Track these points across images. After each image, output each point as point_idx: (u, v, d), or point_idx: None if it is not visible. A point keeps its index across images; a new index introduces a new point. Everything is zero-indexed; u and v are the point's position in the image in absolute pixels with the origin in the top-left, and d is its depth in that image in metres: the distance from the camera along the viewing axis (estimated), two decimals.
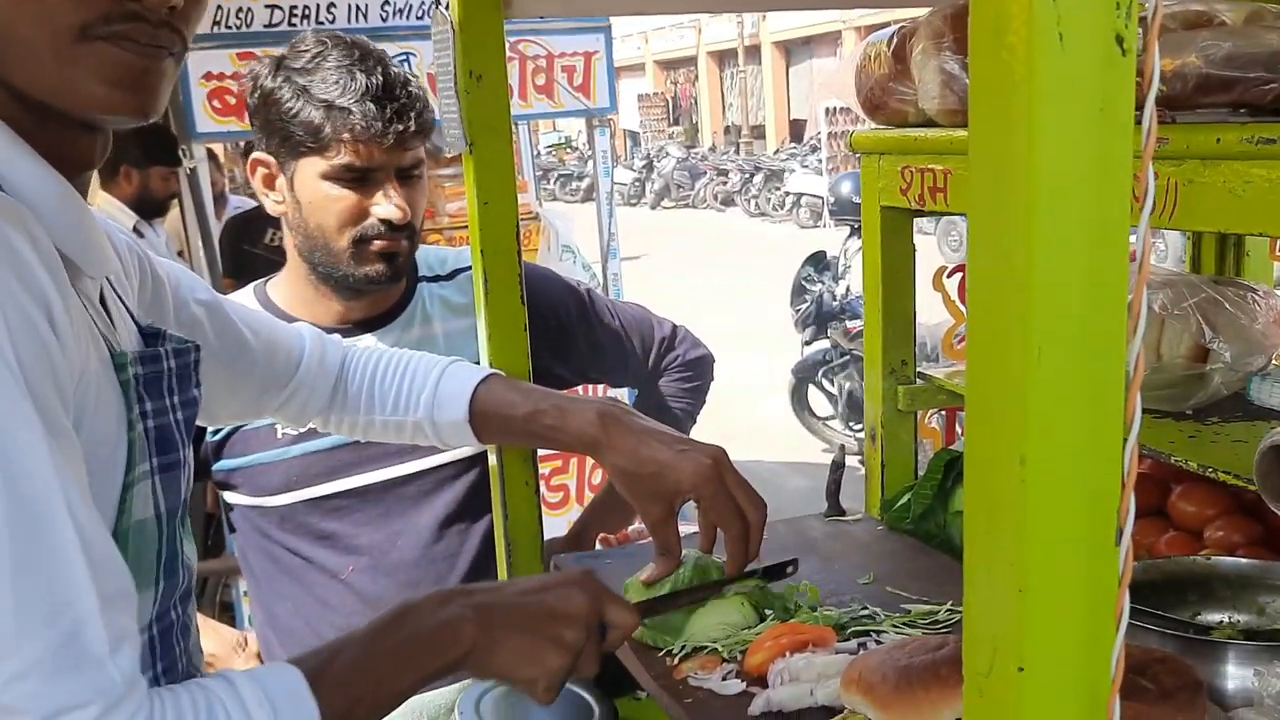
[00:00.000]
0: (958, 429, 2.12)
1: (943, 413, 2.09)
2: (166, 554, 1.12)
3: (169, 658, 1.15)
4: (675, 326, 2.34)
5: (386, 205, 1.87)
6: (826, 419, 8.33)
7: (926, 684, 1.16)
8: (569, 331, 2.14)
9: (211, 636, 2.18)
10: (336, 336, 1.67)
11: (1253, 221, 1.17)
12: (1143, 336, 0.65)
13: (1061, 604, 0.65)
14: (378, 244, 1.89)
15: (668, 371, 2.31)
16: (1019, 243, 0.63)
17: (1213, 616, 1.64)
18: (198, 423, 1.65)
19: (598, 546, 2.21)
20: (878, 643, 1.44)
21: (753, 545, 1.51)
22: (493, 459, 1.84)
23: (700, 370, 2.35)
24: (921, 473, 1.90)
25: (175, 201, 4.40)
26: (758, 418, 8.91)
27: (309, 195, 1.87)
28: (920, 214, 1.78)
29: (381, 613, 1.17)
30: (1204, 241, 2.19)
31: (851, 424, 8.07)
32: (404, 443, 1.69)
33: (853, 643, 1.44)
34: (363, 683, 1.10)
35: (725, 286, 15.09)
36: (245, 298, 1.99)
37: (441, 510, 2.01)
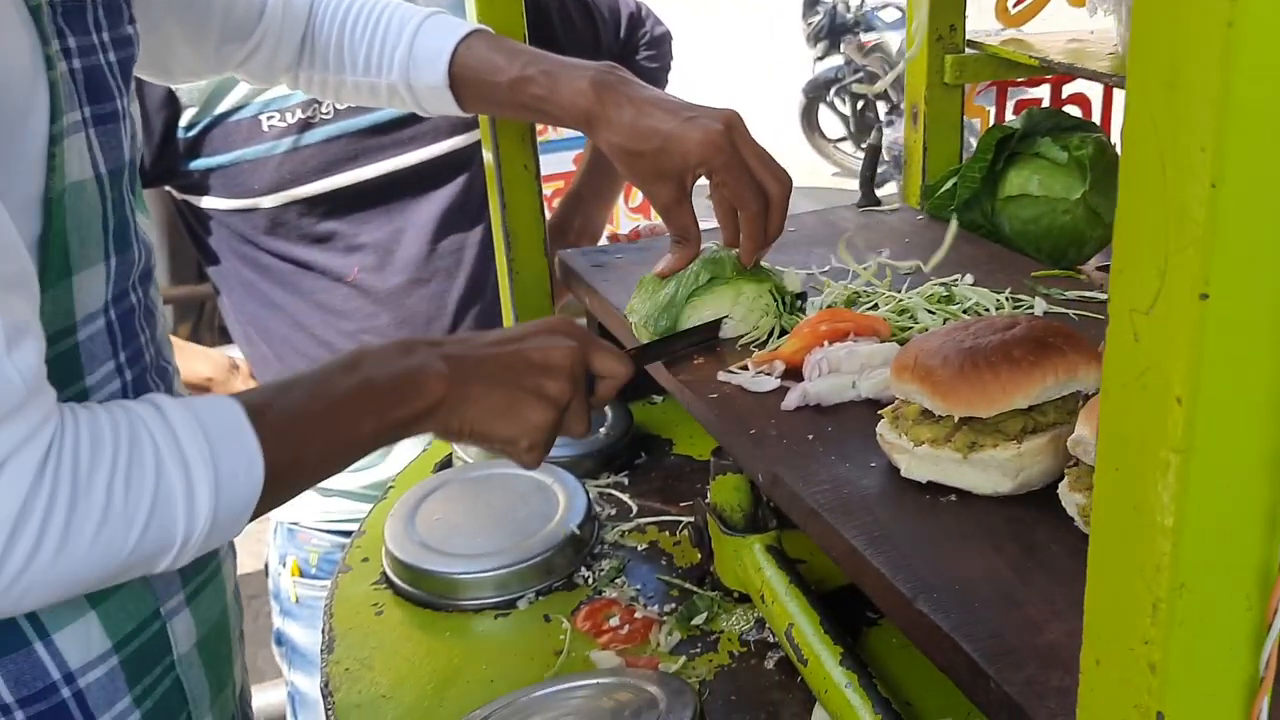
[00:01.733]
0: (1009, 107, 1.90)
1: (993, 87, 1.87)
2: (115, 223, 0.96)
3: (133, 346, 1.00)
4: (638, 1, 2.11)
5: None
6: (837, 141, 8.06)
7: (995, 366, 1.00)
8: None
9: (202, 360, 2.04)
10: None
11: None
12: None
13: (1272, 199, 0.47)
14: None
15: (636, 49, 2.10)
16: None
17: None
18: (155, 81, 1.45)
19: (603, 242, 2.03)
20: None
21: (773, 224, 1.32)
22: (487, 154, 1.64)
23: (665, 49, 2.15)
24: (967, 156, 1.70)
25: None
26: (764, 140, 8.60)
27: None
28: None
29: (333, 356, 1.00)
30: None
31: (863, 145, 7.78)
32: (382, 107, 1.48)
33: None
34: (312, 425, 0.93)
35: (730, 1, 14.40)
36: None
37: (444, 202, 1.85)
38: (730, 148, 1.29)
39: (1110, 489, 0.55)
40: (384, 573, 1.30)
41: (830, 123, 8.02)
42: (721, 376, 1.24)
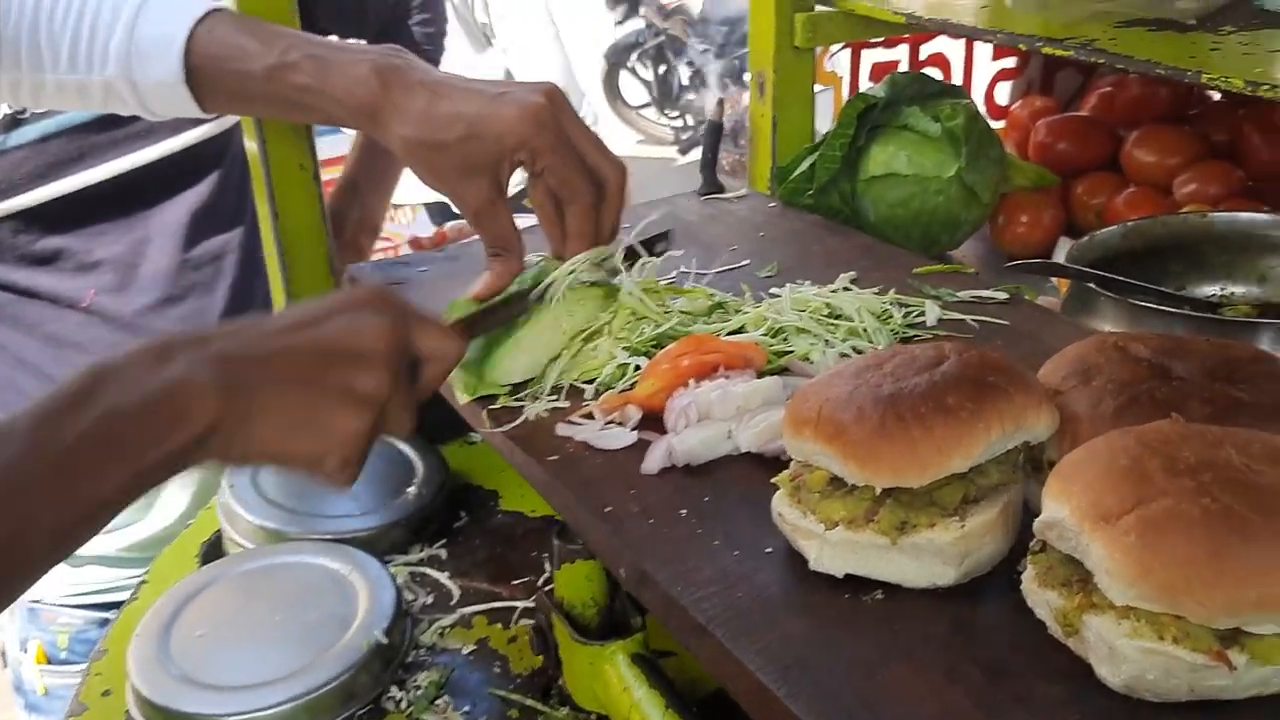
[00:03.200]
0: (863, 73, 1.66)
1: (846, 48, 1.63)
2: None
3: None
4: None
5: None
6: (640, 107, 7.84)
7: (925, 419, 0.76)
8: None
9: None
10: None
11: None
12: None
13: None
14: None
15: (409, 13, 1.84)
16: None
17: (1205, 289, 1.30)
18: None
19: (402, 247, 1.74)
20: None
21: (607, 220, 1.09)
22: (250, 143, 1.34)
23: (439, 11, 1.90)
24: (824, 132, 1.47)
25: None
26: None
27: None
28: None
29: (62, 381, 0.71)
30: None
31: (667, 111, 7.61)
32: (96, 110, 1.17)
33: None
34: (37, 493, 0.65)
35: None
36: None
37: (194, 203, 1.55)
38: (555, 124, 1.04)
39: None
40: (128, 714, 0.99)
41: (632, 89, 7.80)
42: (561, 430, 0.97)
